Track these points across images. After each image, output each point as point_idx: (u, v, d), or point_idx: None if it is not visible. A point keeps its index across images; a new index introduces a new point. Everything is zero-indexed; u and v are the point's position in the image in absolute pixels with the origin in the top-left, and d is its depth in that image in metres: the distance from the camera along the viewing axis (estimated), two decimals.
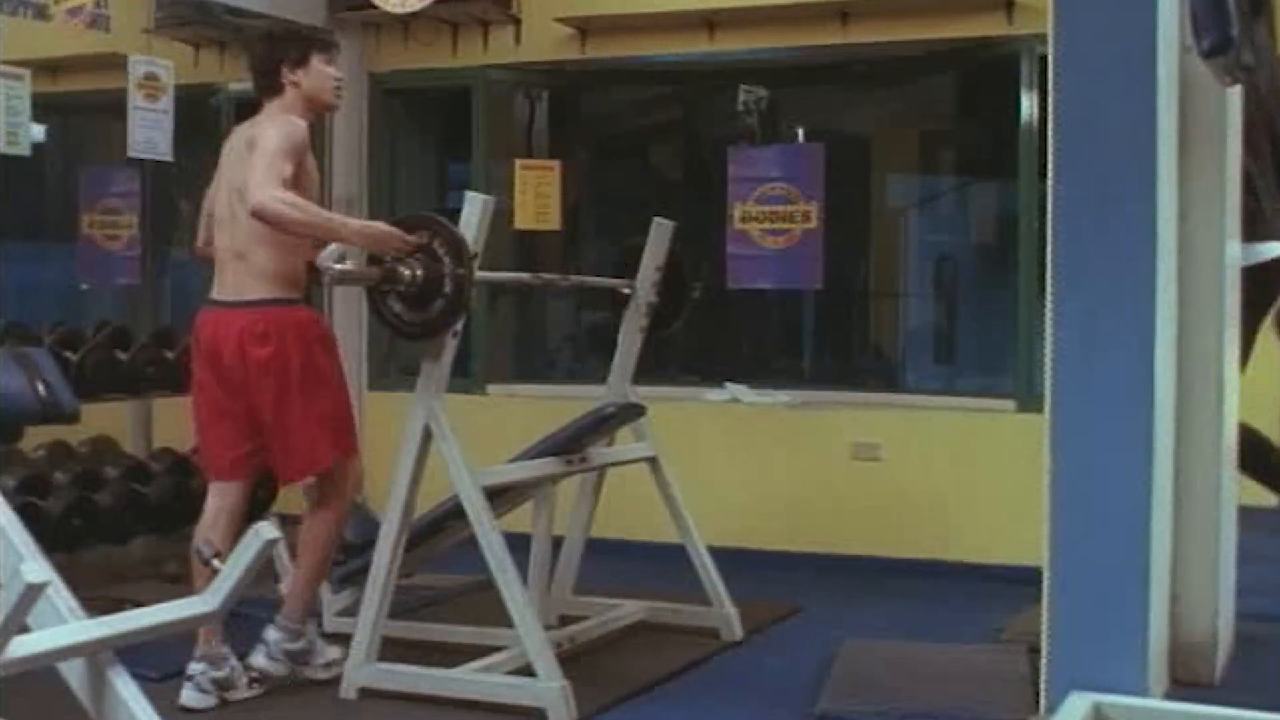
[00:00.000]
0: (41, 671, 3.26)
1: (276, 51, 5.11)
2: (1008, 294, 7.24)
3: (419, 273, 4.73)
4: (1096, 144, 4.46)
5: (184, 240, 9.68)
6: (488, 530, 4.80)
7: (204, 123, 8.61)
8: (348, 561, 5.70)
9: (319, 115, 5.35)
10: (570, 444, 5.46)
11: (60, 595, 3.28)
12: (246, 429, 4.97)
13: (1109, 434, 4.47)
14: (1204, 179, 4.90)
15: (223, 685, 4.85)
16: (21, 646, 3.11)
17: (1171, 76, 4.57)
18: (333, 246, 4.89)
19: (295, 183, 4.77)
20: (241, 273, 4.93)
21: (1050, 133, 4.53)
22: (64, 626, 3.26)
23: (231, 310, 4.92)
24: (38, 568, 3.08)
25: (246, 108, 8.51)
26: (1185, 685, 4.77)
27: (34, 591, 2.98)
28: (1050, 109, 4.53)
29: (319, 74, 5.10)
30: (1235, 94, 4.93)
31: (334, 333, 5.43)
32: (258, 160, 4.71)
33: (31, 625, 3.17)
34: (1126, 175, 4.44)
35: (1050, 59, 4.54)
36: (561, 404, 6.50)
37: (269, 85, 5.11)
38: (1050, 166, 4.52)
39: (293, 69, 5.07)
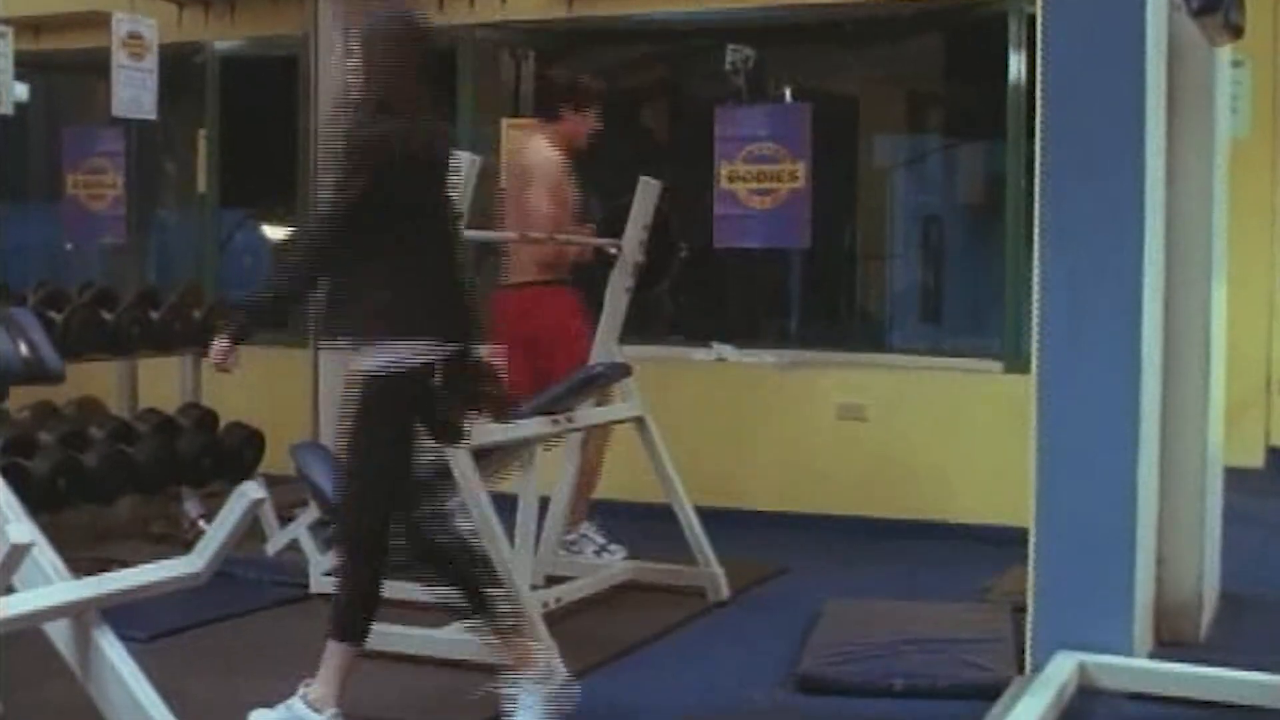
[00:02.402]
0: (28, 632, 3.27)
1: (570, 91, 6.17)
2: (995, 255, 7.24)
3: None
4: (1084, 105, 4.46)
5: (169, 201, 9.68)
6: (474, 490, 4.79)
7: (188, 81, 8.57)
8: (334, 522, 5.69)
9: (565, 144, 6.18)
10: (557, 404, 5.45)
11: (46, 556, 3.28)
12: None
13: (1096, 395, 4.48)
14: (1193, 140, 4.90)
15: None
16: (7, 607, 3.11)
17: (1160, 37, 4.57)
18: None
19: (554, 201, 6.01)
20: None
21: (1039, 93, 4.52)
22: (50, 587, 3.26)
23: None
24: (23, 528, 3.08)
25: (231, 66, 8.57)
26: (1170, 645, 4.81)
27: (19, 552, 2.98)
28: (1039, 69, 4.53)
29: (584, 122, 6.16)
30: (1224, 53, 4.92)
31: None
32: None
33: (18, 586, 3.17)
34: (1114, 136, 4.44)
35: (1039, 19, 4.53)
36: None
37: (547, 111, 6.30)
38: (1038, 127, 4.52)
39: (574, 110, 6.15)
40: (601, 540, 6.25)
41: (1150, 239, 4.50)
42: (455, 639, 4.82)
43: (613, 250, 5.95)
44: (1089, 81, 4.44)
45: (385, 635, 4.88)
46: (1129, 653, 4.47)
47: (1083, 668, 4.38)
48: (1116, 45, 4.42)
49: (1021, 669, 4.52)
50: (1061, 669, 4.33)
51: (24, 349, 3.58)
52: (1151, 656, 4.61)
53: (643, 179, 5.99)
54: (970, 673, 4.57)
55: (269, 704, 4.17)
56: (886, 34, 8.09)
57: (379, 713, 4.35)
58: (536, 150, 6.19)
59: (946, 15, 7.65)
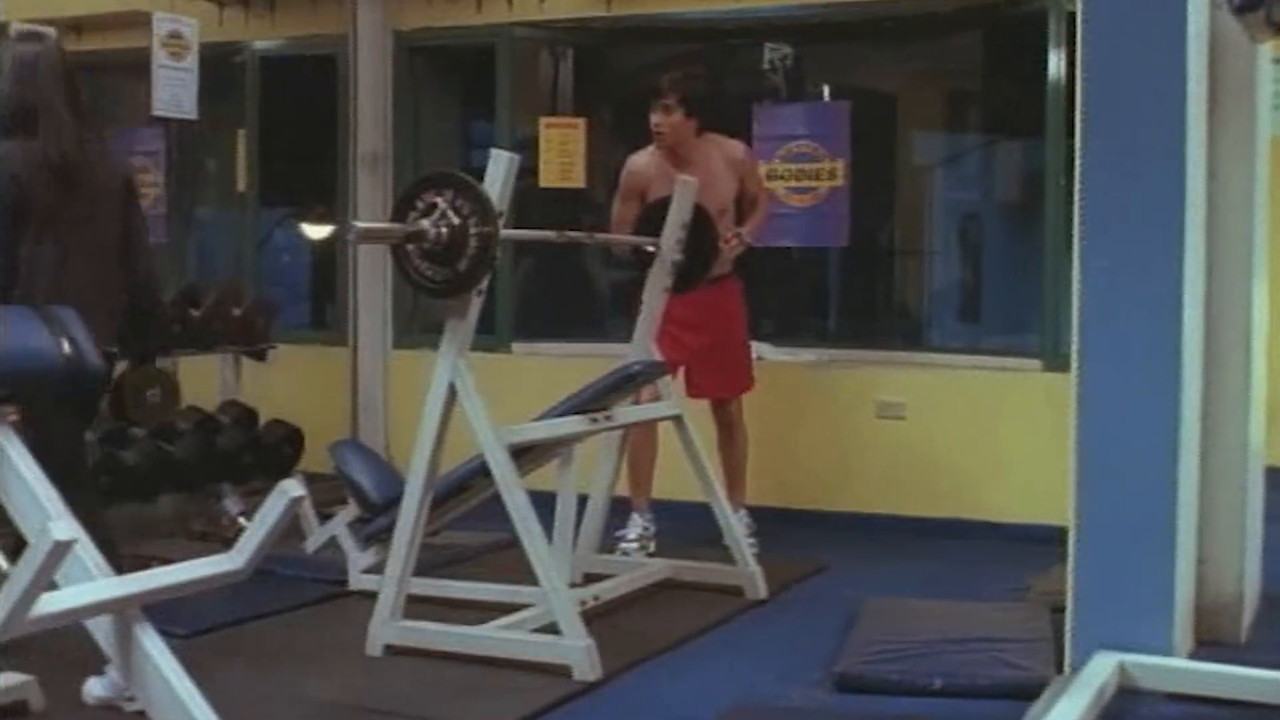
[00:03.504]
0: (70, 628, 3.28)
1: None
2: (1034, 252, 7.21)
3: (443, 230, 4.72)
4: (1125, 101, 4.44)
5: (208, 200, 9.72)
6: (512, 488, 4.80)
7: (228, 81, 8.61)
8: (373, 520, 5.72)
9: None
10: (595, 402, 5.46)
11: (88, 552, 3.29)
12: None
13: (1135, 394, 4.46)
14: (1233, 135, 4.87)
15: None
16: (50, 603, 3.13)
17: (1201, 33, 4.55)
18: None
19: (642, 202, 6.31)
20: None
21: (1078, 90, 4.51)
22: (92, 583, 3.27)
23: None
24: (65, 525, 3.09)
25: (271, 66, 8.60)
26: (1210, 645, 4.78)
27: (62, 549, 3.00)
28: (1078, 66, 4.50)
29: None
30: (1265, 50, 4.89)
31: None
32: None
33: (60, 582, 3.19)
34: (1155, 133, 4.42)
35: (1079, 15, 4.51)
36: (586, 362, 6.50)
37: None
38: (1078, 124, 4.50)
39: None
40: (640, 534, 6.37)
41: (1191, 237, 4.48)
42: (490, 636, 4.84)
43: (650, 249, 5.95)
44: (1130, 78, 4.42)
45: (427, 632, 4.91)
46: (1169, 653, 4.45)
47: (1122, 668, 4.37)
48: (1157, 42, 4.40)
49: (1060, 669, 4.50)
50: (1101, 669, 4.31)
51: (66, 347, 3.60)
52: (1191, 657, 4.59)
53: (681, 178, 5.99)
54: (1009, 672, 4.55)
55: (306, 699, 4.20)
56: (926, 31, 8.06)
57: (410, 708, 4.37)
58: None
59: (986, 12, 7.62)
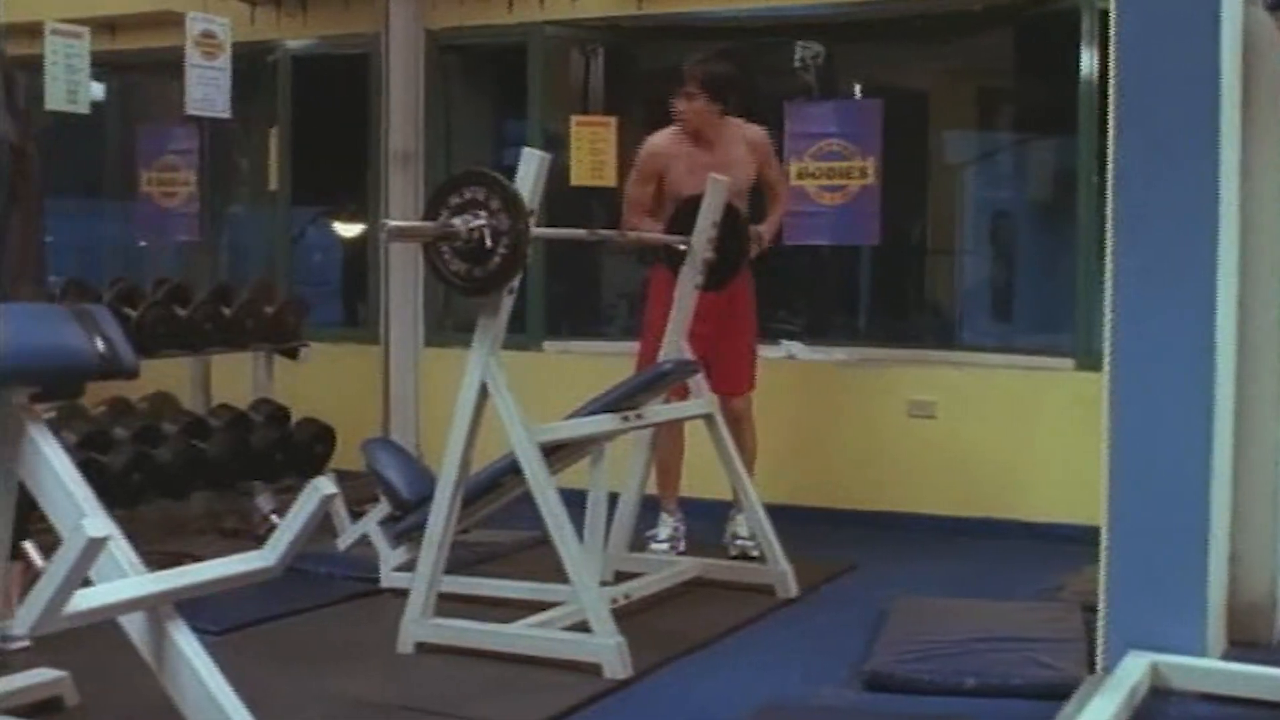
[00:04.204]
0: (103, 624, 3.30)
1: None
2: (1066, 251, 7.18)
3: (475, 229, 4.72)
4: (1158, 99, 4.42)
5: (241, 198, 9.75)
6: (544, 486, 4.81)
7: (261, 80, 8.64)
8: (405, 518, 5.73)
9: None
10: (626, 401, 5.46)
11: (121, 549, 3.31)
12: None
13: (1169, 393, 4.44)
14: (1267, 135, 4.84)
15: None
16: (84, 600, 3.15)
17: (1235, 31, 4.53)
18: None
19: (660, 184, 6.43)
20: None
21: (1111, 88, 4.49)
22: (125, 580, 3.29)
23: None
24: (99, 522, 3.11)
25: (303, 65, 8.62)
26: (1243, 645, 4.75)
27: (96, 546, 3.02)
28: (1111, 64, 4.49)
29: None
30: None
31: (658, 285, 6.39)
32: None
33: (93, 579, 3.21)
34: (1189, 131, 4.40)
35: (1112, 13, 4.49)
36: (617, 360, 6.52)
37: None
38: (1111, 122, 4.48)
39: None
40: (670, 534, 6.36)
41: (1224, 235, 4.45)
42: (521, 633, 4.85)
43: (681, 247, 5.95)
44: (1163, 76, 4.40)
45: (458, 630, 4.91)
46: (1202, 653, 4.43)
47: (1155, 668, 4.35)
48: (1191, 40, 4.38)
49: (1093, 669, 4.49)
50: (1133, 669, 4.30)
51: (100, 345, 3.62)
52: (1224, 657, 4.57)
53: (712, 176, 5.98)
54: (1041, 672, 4.54)
55: (337, 696, 4.21)
56: (957, 29, 8.04)
57: (441, 705, 4.37)
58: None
59: (1018, 10, 7.60)
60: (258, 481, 6.83)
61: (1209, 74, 4.36)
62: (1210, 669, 4.40)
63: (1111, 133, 4.48)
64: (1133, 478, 4.47)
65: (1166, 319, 4.42)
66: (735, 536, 6.34)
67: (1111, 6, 4.50)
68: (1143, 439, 4.46)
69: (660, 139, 6.51)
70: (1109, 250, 4.49)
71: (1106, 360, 4.53)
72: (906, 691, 4.50)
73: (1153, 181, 4.41)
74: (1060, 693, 4.25)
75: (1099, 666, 4.46)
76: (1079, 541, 5.37)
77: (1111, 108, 4.48)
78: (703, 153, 6.33)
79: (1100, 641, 4.51)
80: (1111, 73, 4.48)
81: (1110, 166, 4.48)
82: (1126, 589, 4.49)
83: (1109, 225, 4.49)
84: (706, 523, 6.46)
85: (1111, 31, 4.49)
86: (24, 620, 3.08)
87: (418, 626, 4.90)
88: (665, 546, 6.28)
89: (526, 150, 4.97)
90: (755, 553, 6.06)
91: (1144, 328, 4.44)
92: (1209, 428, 4.41)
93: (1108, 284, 4.50)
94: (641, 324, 6.60)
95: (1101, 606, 4.54)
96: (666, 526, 6.36)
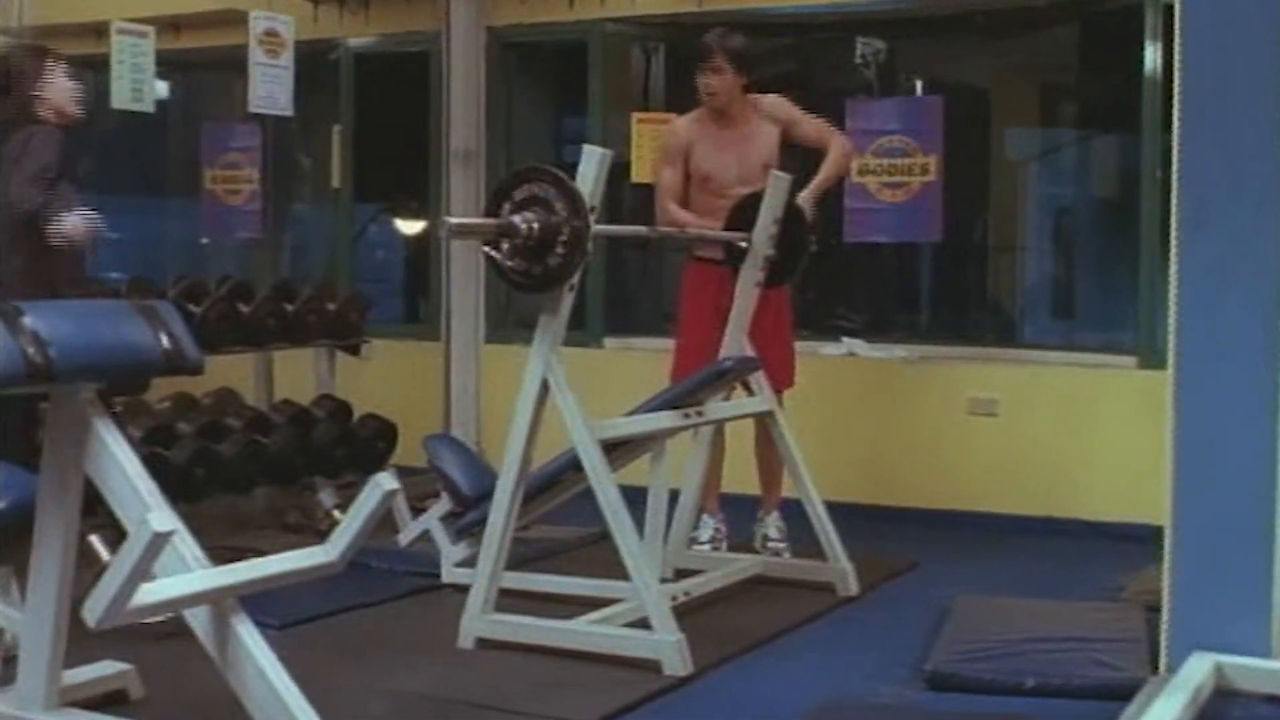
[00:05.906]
0: (167, 618, 3.33)
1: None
2: (1129, 248, 7.13)
3: (536, 226, 4.73)
4: (1223, 96, 4.38)
5: (303, 196, 9.82)
6: (604, 483, 4.81)
7: (323, 78, 8.69)
8: (466, 514, 5.75)
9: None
10: (687, 397, 5.46)
11: (185, 544, 3.34)
12: None
13: (1233, 391, 4.40)
14: None
15: None
16: (149, 593, 3.18)
17: None
18: None
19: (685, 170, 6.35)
20: None
21: (1176, 85, 4.45)
22: (189, 574, 3.32)
23: None
24: (164, 517, 3.14)
25: (365, 62, 8.67)
26: None
27: (160, 540, 3.05)
28: (1176, 60, 4.44)
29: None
30: None
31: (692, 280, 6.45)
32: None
33: (158, 573, 3.24)
34: (1255, 127, 4.35)
35: (1178, 9, 4.45)
36: None
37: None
38: (1176, 119, 4.44)
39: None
40: (712, 535, 6.35)
41: None
42: (580, 630, 4.85)
43: (742, 244, 5.94)
44: (1229, 71, 4.36)
45: (518, 626, 4.93)
46: (1266, 654, 4.39)
47: (1219, 669, 4.31)
48: (1258, 35, 4.34)
49: (1155, 669, 4.46)
50: (1197, 670, 4.26)
51: (165, 341, 3.65)
52: None
53: (774, 173, 5.97)
54: (1103, 672, 4.51)
55: (397, 691, 4.22)
56: (1019, 25, 8.00)
57: (500, 701, 4.38)
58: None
59: (1080, 6, 7.55)
60: (320, 477, 6.87)
61: (1274, 70, 4.32)
62: (1275, 670, 4.36)
63: (1176, 129, 4.44)
64: (1197, 477, 4.43)
65: (1231, 317, 4.38)
66: (766, 539, 6.31)
67: (1176, 2, 4.46)
68: (1207, 437, 4.42)
69: (683, 121, 6.48)
70: (1173, 248, 4.46)
71: (1171, 358, 4.49)
72: (967, 691, 4.48)
73: (1218, 178, 4.38)
74: (1122, 693, 4.22)
75: (1163, 667, 4.43)
76: (1140, 541, 5.33)
77: (1176, 104, 4.44)
78: (726, 130, 6.30)
79: (1164, 642, 4.48)
80: (1176, 69, 4.44)
81: (1175, 163, 4.44)
82: (1191, 589, 4.45)
83: (1173, 222, 4.46)
84: (732, 516, 6.43)
85: (1176, 27, 4.45)
86: (90, 613, 3.11)
87: (478, 622, 4.91)
88: (707, 548, 6.26)
89: (588, 147, 4.97)
90: (786, 555, 6.11)
91: (1209, 325, 4.40)
92: (1274, 426, 4.37)
93: (1172, 282, 4.47)
94: (677, 320, 6.58)
95: (1166, 606, 4.51)
96: (708, 528, 6.33)
